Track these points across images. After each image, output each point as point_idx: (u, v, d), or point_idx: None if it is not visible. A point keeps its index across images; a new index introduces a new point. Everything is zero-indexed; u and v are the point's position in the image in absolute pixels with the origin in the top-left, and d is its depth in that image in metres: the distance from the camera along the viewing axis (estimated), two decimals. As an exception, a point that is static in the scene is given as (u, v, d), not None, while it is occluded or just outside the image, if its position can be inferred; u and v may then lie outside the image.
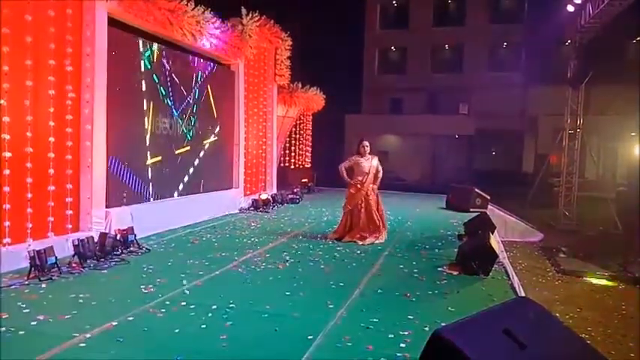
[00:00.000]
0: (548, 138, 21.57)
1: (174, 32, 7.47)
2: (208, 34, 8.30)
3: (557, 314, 5.53)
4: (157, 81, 7.67)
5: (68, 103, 5.83)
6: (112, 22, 6.48)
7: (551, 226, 13.19)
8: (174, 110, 8.20)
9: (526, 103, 24.77)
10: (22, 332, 3.55)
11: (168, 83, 8.00)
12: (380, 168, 7.36)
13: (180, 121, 8.37)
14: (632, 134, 15.59)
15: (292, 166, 15.21)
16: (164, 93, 7.90)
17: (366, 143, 7.27)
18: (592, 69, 13.52)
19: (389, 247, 6.93)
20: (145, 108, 7.44)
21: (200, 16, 7.84)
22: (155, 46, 7.58)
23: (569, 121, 15.06)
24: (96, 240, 5.68)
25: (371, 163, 7.27)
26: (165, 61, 7.89)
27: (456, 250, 6.31)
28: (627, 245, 9.75)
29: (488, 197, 11.31)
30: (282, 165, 14.48)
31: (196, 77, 8.83)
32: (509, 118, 24.39)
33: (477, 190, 11.28)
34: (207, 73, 9.18)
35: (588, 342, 2.87)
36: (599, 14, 11.98)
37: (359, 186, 7.22)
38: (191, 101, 8.68)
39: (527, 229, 12.32)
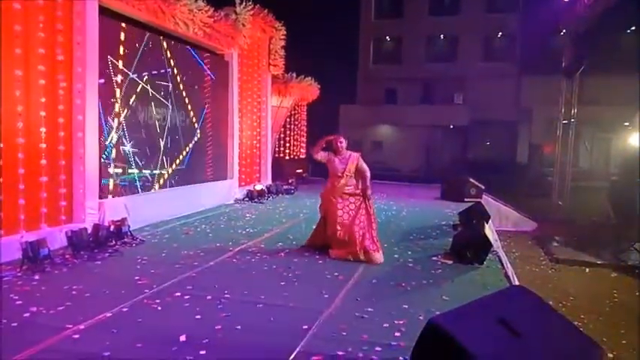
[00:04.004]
0: (542, 128, 21.66)
1: (167, 21, 7.37)
2: (201, 23, 8.19)
3: (551, 302, 5.55)
4: (148, 69, 7.59)
5: (60, 92, 5.75)
6: (103, 11, 6.38)
7: (545, 215, 13.25)
8: (167, 101, 8.12)
9: (520, 93, 24.79)
10: (15, 324, 3.52)
11: (161, 72, 7.91)
12: (364, 168, 5.90)
13: (173, 111, 8.30)
14: (626, 124, 15.63)
15: (287, 157, 15.16)
16: (156, 83, 7.82)
17: (342, 139, 5.98)
18: (587, 59, 13.50)
19: (383, 237, 6.92)
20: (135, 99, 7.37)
21: (193, 5, 7.74)
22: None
23: (563, 110, 15.07)
24: (89, 231, 5.65)
25: (347, 165, 5.89)
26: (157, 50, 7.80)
27: (450, 239, 6.32)
28: (620, 234, 9.82)
29: (483, 187, 11.36)
30: (276, 155, 14.42)
31: (190, 67, 8.74)
32: (504, 108, 24.44)
33: (471, 180, 11.31)
34: (201, 62, 9.09)
35: (581, 329, 2.89)
36: (594, 3, 11.92)
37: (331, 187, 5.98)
38: (184, 91, 8.60)
39: (521, 218, 12.40)
